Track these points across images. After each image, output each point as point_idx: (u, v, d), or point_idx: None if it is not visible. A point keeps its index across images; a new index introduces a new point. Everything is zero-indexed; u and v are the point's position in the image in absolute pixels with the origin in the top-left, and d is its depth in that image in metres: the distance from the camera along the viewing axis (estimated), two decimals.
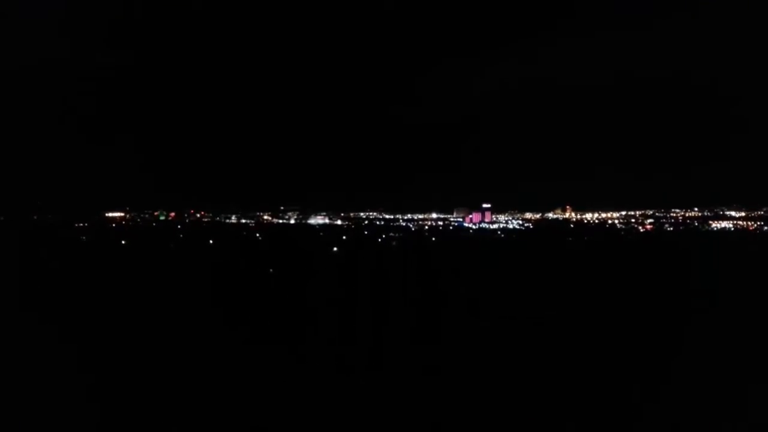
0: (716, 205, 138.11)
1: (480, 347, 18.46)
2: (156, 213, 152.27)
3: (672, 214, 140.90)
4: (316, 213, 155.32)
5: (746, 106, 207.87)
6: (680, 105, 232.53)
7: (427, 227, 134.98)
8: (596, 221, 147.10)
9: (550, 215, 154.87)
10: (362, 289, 30.11)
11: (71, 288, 29.21)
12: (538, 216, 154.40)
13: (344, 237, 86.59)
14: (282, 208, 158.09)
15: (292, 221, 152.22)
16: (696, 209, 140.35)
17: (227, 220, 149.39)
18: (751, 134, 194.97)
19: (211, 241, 70.19)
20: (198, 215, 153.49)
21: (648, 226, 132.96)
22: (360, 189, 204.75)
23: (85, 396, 13.13)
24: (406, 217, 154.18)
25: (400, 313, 23.51)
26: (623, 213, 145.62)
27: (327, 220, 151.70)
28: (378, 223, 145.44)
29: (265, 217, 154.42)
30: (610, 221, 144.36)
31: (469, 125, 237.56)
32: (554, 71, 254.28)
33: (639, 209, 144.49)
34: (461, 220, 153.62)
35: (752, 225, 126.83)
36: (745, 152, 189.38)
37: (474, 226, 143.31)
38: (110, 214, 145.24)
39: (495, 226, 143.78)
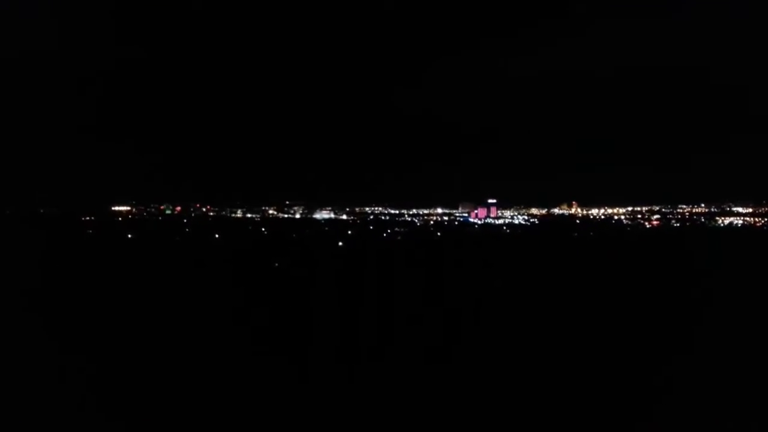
0: (723, 201, 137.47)
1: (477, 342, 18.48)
2: (162, 207, 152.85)
3: (679, 210, 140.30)
4: (322, 208, 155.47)
5: (753, 100, 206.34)
6: (687, 100, 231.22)
7: (432, 222, 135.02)
8: (602, 217, 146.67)
9: (556, 211, 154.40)
10: (367, 282, 30.18)
11: (77, 280, 29.37)
12: (544, 212, 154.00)
13: (349, 232, 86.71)
14: (287, 202, 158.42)
15: (298, 216, 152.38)
16: (702, 205, 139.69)
17: (233, 215, 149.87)
18: (758, 129, 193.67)
19: (216, 235, 70.43)
20: (204, 210, 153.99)
21: (654, 222, 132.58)
22: (365, 184, 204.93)
23: (85, 394, 13.13)
24: (411, 213, 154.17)
25: (405, 306, 23.53)
26: (629, 209, 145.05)
27: (332, 215, 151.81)
28: (383, 218, 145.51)
29: (271, 212, 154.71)
30: (616, 217, 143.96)
31: (473, 122, 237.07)
32: (556, 65, 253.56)
33: (645, 205, 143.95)
34: (466, 215, 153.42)
35: (759, 221, 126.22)
36: (753, 148, 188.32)
37: (479, 222, 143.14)
38: (116, 208, 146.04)
39: (500, 221, 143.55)
